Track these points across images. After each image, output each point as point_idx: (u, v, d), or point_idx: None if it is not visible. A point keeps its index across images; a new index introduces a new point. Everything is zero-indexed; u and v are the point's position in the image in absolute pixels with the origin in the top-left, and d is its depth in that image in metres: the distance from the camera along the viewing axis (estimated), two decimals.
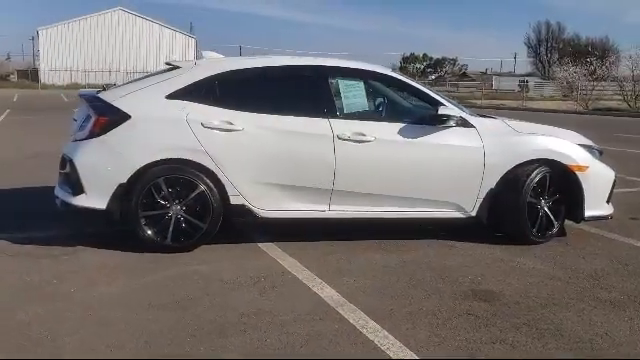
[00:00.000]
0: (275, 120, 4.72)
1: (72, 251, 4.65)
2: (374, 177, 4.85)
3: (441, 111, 4.81)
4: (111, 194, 4.55)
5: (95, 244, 4.78)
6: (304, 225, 5.03)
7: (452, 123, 4.87)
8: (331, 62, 5.19)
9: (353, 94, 4.95)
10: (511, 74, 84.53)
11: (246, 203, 4.70)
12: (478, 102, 36.55)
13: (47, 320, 3.38)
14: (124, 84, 5.26)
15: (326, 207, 4.86)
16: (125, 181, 4.53)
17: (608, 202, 5.30)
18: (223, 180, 4.63)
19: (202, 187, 4.60)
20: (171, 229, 4.61)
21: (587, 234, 5.51)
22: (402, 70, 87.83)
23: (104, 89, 5.25)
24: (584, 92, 34.63)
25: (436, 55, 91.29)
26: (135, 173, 4.53)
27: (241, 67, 4.91)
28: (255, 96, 4.85)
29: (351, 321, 3.46)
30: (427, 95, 5.05)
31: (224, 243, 4.82)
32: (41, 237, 4.96)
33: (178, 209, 4.62)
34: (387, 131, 4.85)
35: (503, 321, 3.51)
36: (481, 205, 4.99)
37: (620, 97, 34.26)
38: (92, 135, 4.57)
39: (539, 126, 5.43)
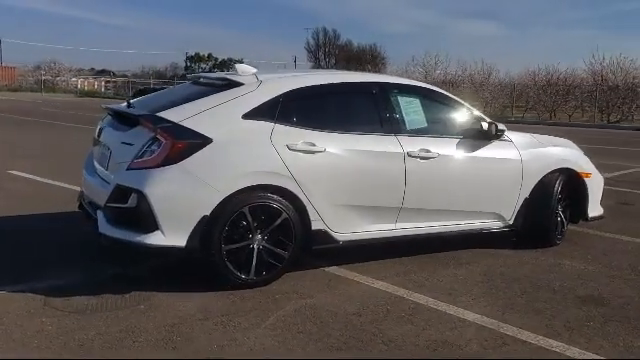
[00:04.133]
0: (353, 139, 4.51)
1: (137, 299, 3.93)
2: (437, 192, 4.89)
3: (500, 127, 5.03)
4: (192, 229, 3.96)
5: (145, 287, 4.10)
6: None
7: (503, 137, 5.12)
8: (391, 79, 5.11)
9: (413, 110, 4.93)
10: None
11: (326, 228, 4.42)
12: None
13: None
14: (161, 100, 4.59)
15: (393, 226, 4.78)
16: (209, 213, 3.98)
17: (600, 203, 5.98)
18: (306, 205, 4.30)
19: (285, 214, 4.22)
20: (254, 262, 4.16)
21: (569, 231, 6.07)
22: (187, 70, 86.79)
23: (129, 103, 4.56)
24: None
25: (222, 56, 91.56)
26: (220, 203, 4.00)
27: (311, 84, 4.57)
28: (330, 114, 4.57)
29: (532, 342, 3.49)
30: (473, 112, 5.23)
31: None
32: (70, 286, 4.10)
33: (260, 239, 4.19)
34: (447, 146, 4.92)
35: None
36: (518, 213, 5.31)
37: None
38: (167, 162, 3.92)
39: (554, 138, 5.95)
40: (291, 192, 4.23)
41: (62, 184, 7.78)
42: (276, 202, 4.19)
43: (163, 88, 47.50)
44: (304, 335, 3.48)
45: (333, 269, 4.67)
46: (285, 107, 4.35)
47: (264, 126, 4.23)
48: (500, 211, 5.24)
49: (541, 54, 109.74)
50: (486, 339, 3.50)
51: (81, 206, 4.85)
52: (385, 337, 3.48)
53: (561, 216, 5.59)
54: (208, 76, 4.96)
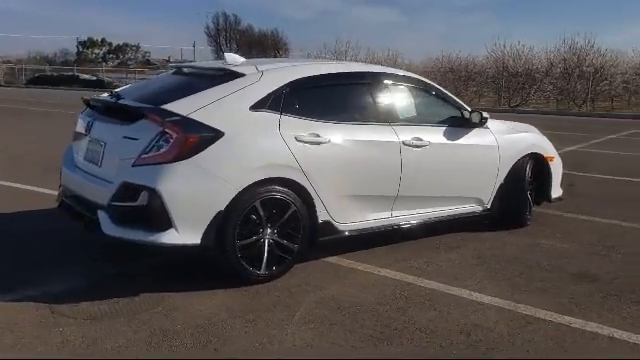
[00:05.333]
0: (354, 129, 4.52)
1: (151, 301, 3.76)
2: (428, 180, 5.00)
3: (484, 115, 5.20)
4: (206, 225, 3.83)
5: (152, 288, 3.93)
6: None
7: (486, 125, 5.31)
8: (385, 69, 5.16)
9: (405, 100, 5.02)
10: (193, 62, 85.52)
11: (330, 219, 4.42)
12: None
13: None
14: (152, 91, 4.37)
15: (389, 214, 4.85)
16: (223, 208, 3.86)
17: (560, 185, 6.35)
18: (313, 197, 4.28)
19: (294, 206, 4.17)
20: (265, 256, 4.10)
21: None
22: (81, 55, 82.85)
23: (117, 95, 4.34)
24: None
25: (116, 41, 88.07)
26: (234, 197, 3.89)
27: (312, 74, 4.51)
28: (331, 104, 4.54)
29: (551, 319, 3.66)
30: (455, 100, 5.39)
31: None
32: (71, 291, 3.87)
33: (270, 233, 4.12)
34: (436, 135, 5.04)
35: None
36: (494, 197, 5.55)
37: None
38: (179, 157, 3.75)
39: (521, 124, 6.23)
40: (299, 184, 4.19)
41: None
42: (285, 194, 4.13)
43: (62, 75, 44.78)
44: (339, 327, 3.47)
45: (334, 259, 4.68)
46: (289, 98, 4.28)
47: (271, 118, 4.15)
48: (480, 196, 5.45)
49: (441, 41, 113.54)
50: (511, 320, 3.65)
51: (62, 204, 4.55)
52: (417, 325, 3.54)
53: (529, 198, 5.89)
54: (197, 66, 4.80)
